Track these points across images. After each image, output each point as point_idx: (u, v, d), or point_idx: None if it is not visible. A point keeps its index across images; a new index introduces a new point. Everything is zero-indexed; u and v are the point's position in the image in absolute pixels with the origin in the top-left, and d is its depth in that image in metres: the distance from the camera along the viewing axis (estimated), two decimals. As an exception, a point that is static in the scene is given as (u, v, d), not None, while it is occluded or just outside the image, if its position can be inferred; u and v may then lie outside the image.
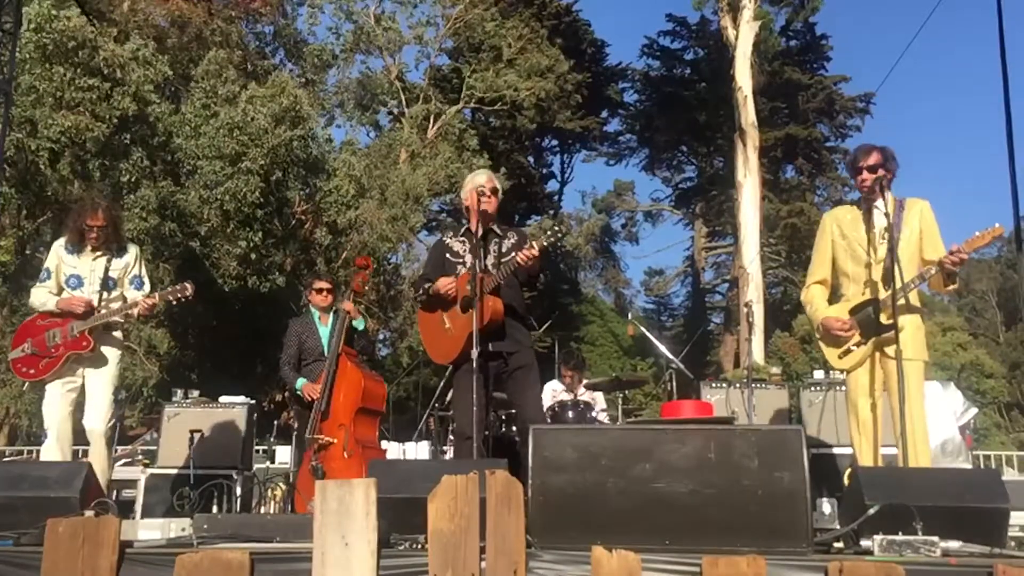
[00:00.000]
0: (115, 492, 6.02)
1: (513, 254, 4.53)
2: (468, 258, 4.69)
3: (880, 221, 4.48)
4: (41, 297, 5.11)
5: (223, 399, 7.64)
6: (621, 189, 32.42)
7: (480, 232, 4.69)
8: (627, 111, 30.99)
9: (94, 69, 12.14)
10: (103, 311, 5.01)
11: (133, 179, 12.61)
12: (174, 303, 5.12)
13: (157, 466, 7.04)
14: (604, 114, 30.40)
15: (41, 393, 5.08)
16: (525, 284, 4.79)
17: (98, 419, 4.99)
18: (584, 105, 26.98)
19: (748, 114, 21.40)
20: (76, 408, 5.03)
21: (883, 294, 4.41)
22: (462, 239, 4.85)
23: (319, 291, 6.46)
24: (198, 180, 13.59)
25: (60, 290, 5.12)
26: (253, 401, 7.67)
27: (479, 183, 4.77)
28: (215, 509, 6.54)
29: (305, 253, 16.18)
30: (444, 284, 4.64)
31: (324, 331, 6.30)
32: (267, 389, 15.26)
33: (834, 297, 4.79)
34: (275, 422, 7.17)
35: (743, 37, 21.79)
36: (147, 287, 5.25)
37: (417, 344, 18.79)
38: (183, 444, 6.73)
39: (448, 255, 4.83)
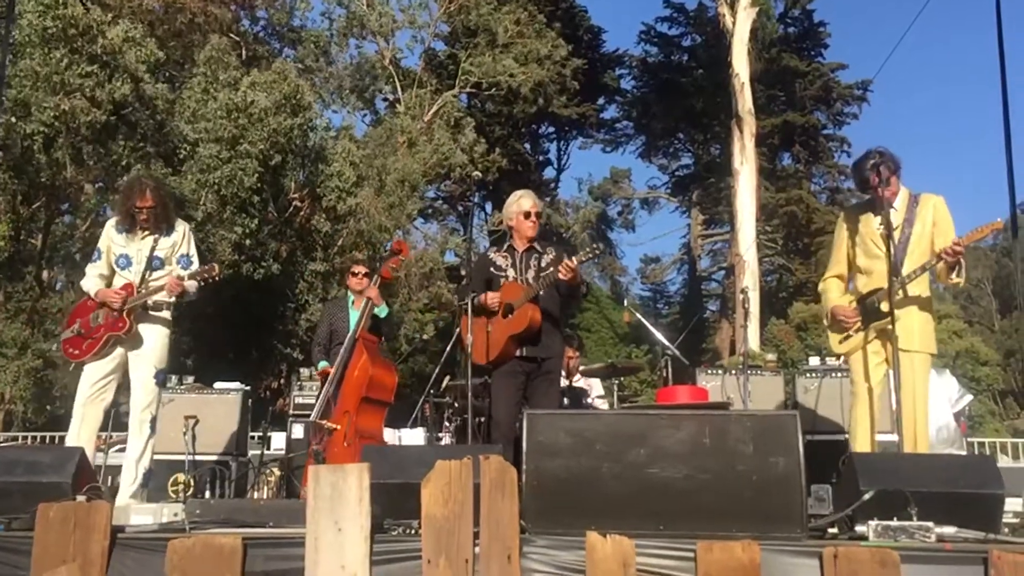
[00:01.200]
0: (109, 478, 5.99)
1: (552, 268, 5.00)
2: (511, 272, 5.18)
3: (892, 217, 4.54)
4: (89, 282, 5.15)
5: (218, 385, 7.63)
6: (617, 176, 32.33)
7: (523, 248, 5.24)
8: (624, 98, 30.85)
9: (92, 56, 12.05)
10: (141, 291, 5.00)
11: (127, 163, 12.53)
12: (202, 283, 5.07)
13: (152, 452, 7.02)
14: (601, 101, 30.27)
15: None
16: (566, 296, 5.22)
17: (135, 401, 5.02)
18: (581, 92, 26.85)
19: (745, 101, 21.32)
20: (111, 392, 5.02)
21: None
22: (505, 254, 5.28)
23: (355, 274, 6.41)
24: (195, 164, 13.50)
25: (111, 271, 5.15)
26: (248, 387, 7.65)
27: (525, 208, 5.25)
28: (208, 495, 6.54)
29: (302, 240, 16.13)
30: (491, 298, 5.06)
31: (355, 315, 6.17)
32: (262, 376, 15.24)
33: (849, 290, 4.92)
34: (270, 408, 7.16)
35: (740, 24, 21.68)
36: (195, 265, 5.20)
37: (413, 332, 18.77)
38: (177, 430, 6.71)
39: (492, 268, 5.22)
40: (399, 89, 22.50)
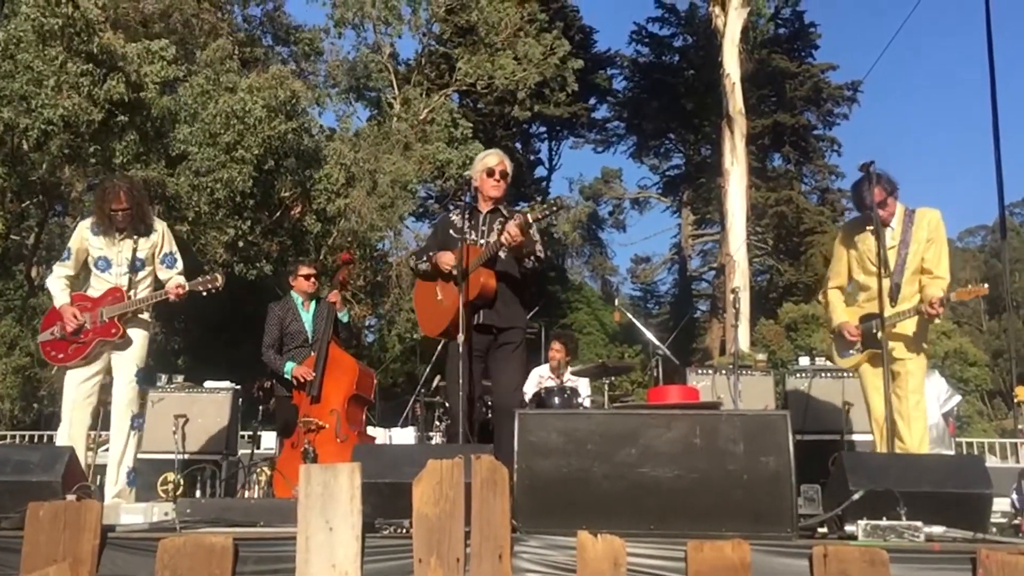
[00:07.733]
0: (98, 477, 5.97)
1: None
2: (471, 234, 4.66)
3: (888, 238, 4.69)
4: (55, 284, 5.06)
5: (208, 384, 7.61)
6: (608, 176, 32.36)
7: (487, 209, 4.75)
8: (615, 98, 30.88)
9: (88, 54, 11.97)
10: (132, 295, 4.97)
11: (125, 160, 12.46)
12: (204, 293, 5.03)
13: (141, 451, 7.00)
14: (592, 101, 30.30)
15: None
16: (525, 263, 4.67)
17: (118, 399, 4.99)
18: (572, 91, 26.88)
19: (736, 101, 21.35)
20: (99, 393, 5.00)
21: (888, 310, 4.58)
22: (466, 215, 4.78)
23: (307, 277, 6.32)
24: (189, 166, 13.44)
25: (80, 271, 5.10)
26: (238, 387, 7.63)
27: (489, 165, 4.78)
28: (198, 494, 6.52)
29: (294, 240, 16.11)
30: (446, 259, 4.60)
31: (307, 316, 6.22)
32: (254, 376, 15.19)
33: (850, 300, 5.13)
34: (260, 407, 7.14)
35: (731, 24, 21.70)
36: (180, 264, 5.18)
37: (405, 332, 18.77)
38: (167, 429, 6.69)
39: (451, 230, 4.77)
40: (395, 87, 22.42)
